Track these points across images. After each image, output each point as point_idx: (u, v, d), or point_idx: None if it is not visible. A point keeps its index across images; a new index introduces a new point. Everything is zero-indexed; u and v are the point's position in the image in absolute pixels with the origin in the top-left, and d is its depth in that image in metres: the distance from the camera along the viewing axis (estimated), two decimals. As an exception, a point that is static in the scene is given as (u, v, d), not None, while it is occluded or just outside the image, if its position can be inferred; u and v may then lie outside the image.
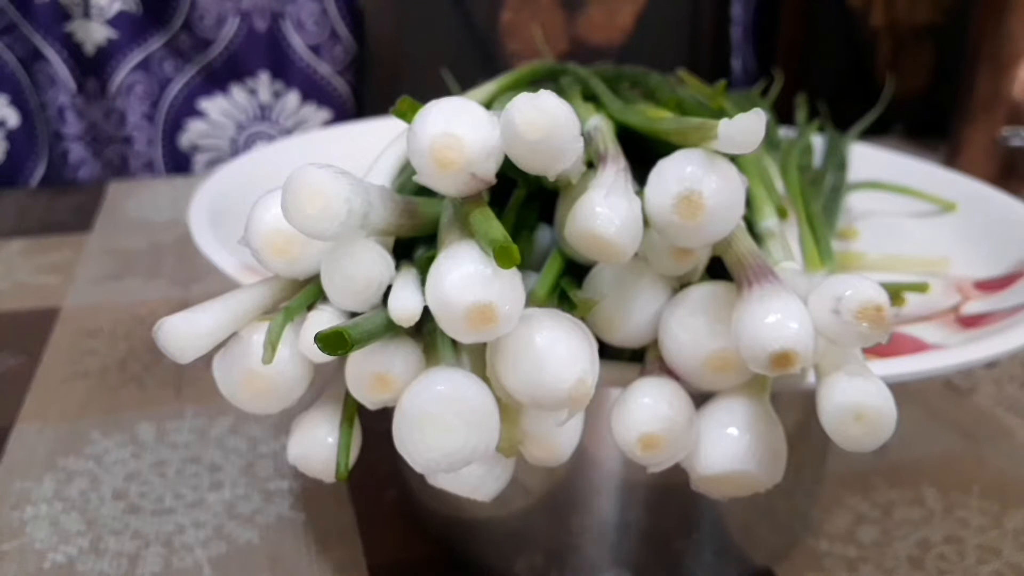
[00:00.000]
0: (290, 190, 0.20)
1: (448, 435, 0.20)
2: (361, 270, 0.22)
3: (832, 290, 0.21)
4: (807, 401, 0.23)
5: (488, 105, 0.34)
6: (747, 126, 0.20)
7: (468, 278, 0.20)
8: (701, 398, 0.23)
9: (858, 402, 0.21)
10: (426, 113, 0.21)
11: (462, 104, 0.21)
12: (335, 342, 0.20)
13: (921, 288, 0.36)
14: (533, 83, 0.37)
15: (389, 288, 0.22)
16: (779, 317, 0.20)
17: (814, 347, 0.21)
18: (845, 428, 0.21)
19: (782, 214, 0.30)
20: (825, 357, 0.22)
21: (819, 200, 0.40)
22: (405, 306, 0.21)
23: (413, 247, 0.25)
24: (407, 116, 0.22)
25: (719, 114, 0.33)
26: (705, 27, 0.89)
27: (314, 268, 0.23)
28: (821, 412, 0.21)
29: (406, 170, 0.28)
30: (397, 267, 0.23)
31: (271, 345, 0.22)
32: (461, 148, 0.20)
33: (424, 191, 0.23)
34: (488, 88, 0.35)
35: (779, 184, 0.34)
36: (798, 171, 0.37)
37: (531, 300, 0.23)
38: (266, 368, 0.23)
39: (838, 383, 0.21)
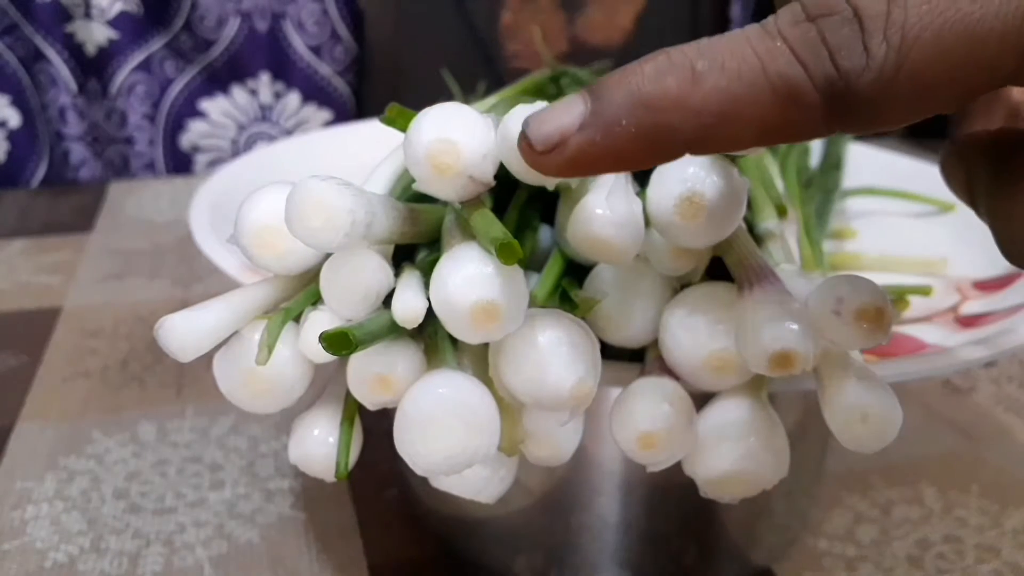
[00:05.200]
0: (294, 202, 0.20)
1: (448, 438, 0.20)
2: (360, 280, 0.22)
3: (832, 291, 0.21)
4: (807, 401, 0.23)
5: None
6: (747, 127, 0.21)
7: (471, 278, 0.20)
8: (701, 398, 0.23)
9: (865, 404, 0.21)
10: (420, 121, 0.21)
11: (454, 109, 0.21)
12: (340, 343, 0.20)
13: (924, 291, 0.36)
14: (536, 94, 0.37)
15: (390, 294, 0.22)
16: (779, 318, 0.20)
17: (814, 348, 0.21)
18: (851, 428, 0.21)
19: (782, 212, 0.30)
20: (825, 358, 0.22)
21: (812, 203, 0.40)
22: (409, 307, 0.21)
23: (414, 251, 0.25)
24: (396, 123, 0.22)
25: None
26: (705, 27, 0.90)
27: (305, 262, 0.23)
28: (827, 412, 0.21)
29: (403, 178, 0.28)
30: (399, 270, 0.23)
31: (267, 347, 0.22)
32: (457, 153, 0.20)
33: (423, 199, 0.23)
34: (489, 102, 0.35)
35: (779, 184, 0.34)
36: (796, 172, 0.37)
37: (532, 301, 0.23)
38: (266, 367, 0.23)
39: (845, 385, 0.21)
